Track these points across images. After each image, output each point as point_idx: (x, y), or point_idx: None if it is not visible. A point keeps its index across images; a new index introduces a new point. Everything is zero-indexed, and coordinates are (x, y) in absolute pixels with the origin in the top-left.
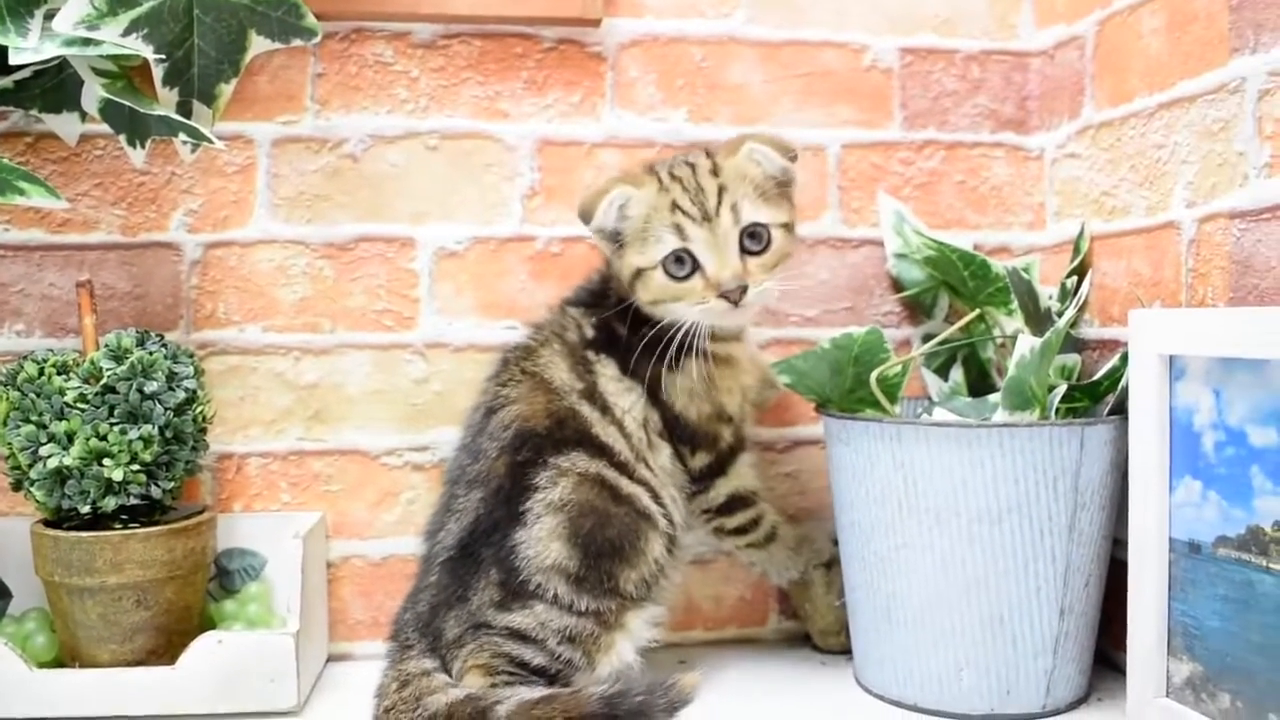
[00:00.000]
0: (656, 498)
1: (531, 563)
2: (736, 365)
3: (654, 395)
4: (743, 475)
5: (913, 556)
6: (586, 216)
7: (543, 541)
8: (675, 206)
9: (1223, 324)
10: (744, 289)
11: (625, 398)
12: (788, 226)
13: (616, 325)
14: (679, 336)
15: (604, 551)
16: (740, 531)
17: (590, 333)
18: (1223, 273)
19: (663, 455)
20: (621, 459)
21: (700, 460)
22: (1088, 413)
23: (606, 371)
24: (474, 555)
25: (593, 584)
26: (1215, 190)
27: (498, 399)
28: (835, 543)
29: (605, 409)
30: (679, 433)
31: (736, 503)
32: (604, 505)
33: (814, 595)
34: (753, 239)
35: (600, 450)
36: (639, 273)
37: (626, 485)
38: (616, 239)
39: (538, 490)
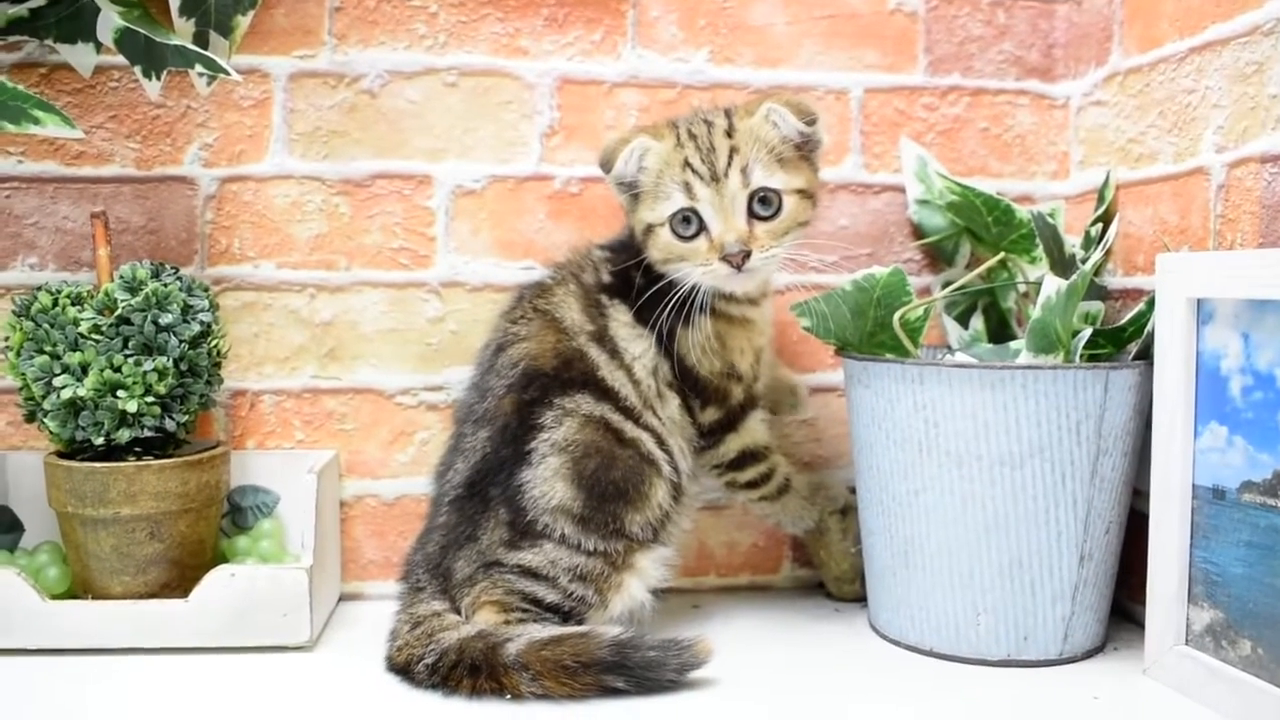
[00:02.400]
0: (662, 444)
1: (538, 503)
2: (750, 326)
3: (666, 346)
4: (754, 431)
5: (932, 500)
6: (607, 165)
7: (548, 482)
8: (687, 164)
9: (1254, 265)
10: (747, 254)
11: (636, 344)
12: (804, 193)
13: (633, 273)
14: (692, 294)
15: (608, 494)
16: (752, 485)
17: (606, 277)
18: (1252, 218)
19: (671, 405)
20: (628, 404)
21: (710, 415)
22: (1112, 359)
23: (619, 317)
24: (482, 494)
25: (598, 525)
26: (1246, 134)
27: (508, 336)
28: (851, 490)
29: (615, 353)
30: (690, 386)
31: (748, 457)
32: (608, 447)
33: (829, 542)
34: (763, 204)
35: (605, 394)
36: (649, 228)
37: (631, 430)
38: (633, 190)
39: (543, 430)
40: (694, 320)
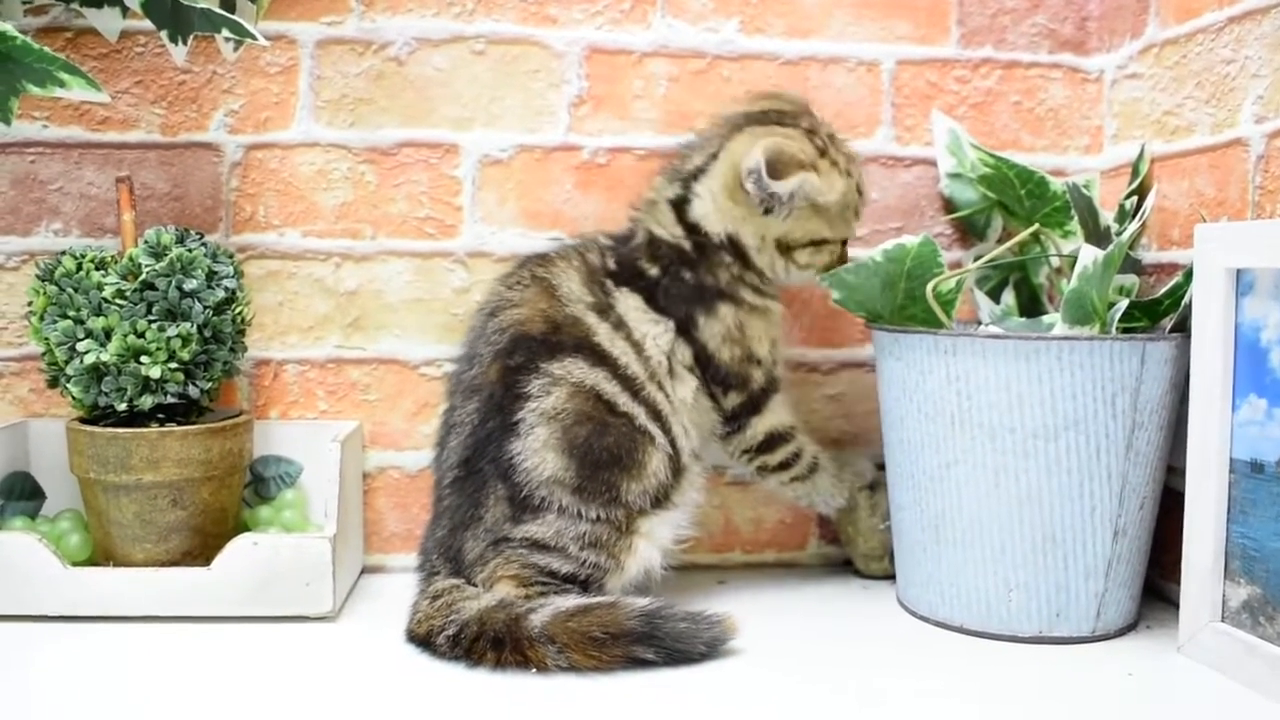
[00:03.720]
0: (659, 419)
1: (531, 475)
2: (769, 316)
3: (686, 333)
4: (778, 413)
5: (963, 473)
6: (775, 174)
7: (539, 453)
8: (855, 207)
9: None
10: None
11: (651, 328)
12: None
13: (645, 265)
14: (723, 283)
15: (601, 461)
16: (784, 466)
17: (612, 265)
18: None
19: (686, 388)
20: (627, 372)
21: (733, 400)
22: (1147, 331)
23: (629, 302)
24: (478, 471)
25: (594, 494)
26: None
27: (501, 300)
28: (879, 466)
29: (619, 325)
30: (711, 372)
31: (776, 439)
32: (600, 415)
33: (858, 519)
34: None
35: (601, 359)
36: (790, 243)
37: (625, 402)
38: (772, 204)
39: (530, 399)
40: (716, 310)
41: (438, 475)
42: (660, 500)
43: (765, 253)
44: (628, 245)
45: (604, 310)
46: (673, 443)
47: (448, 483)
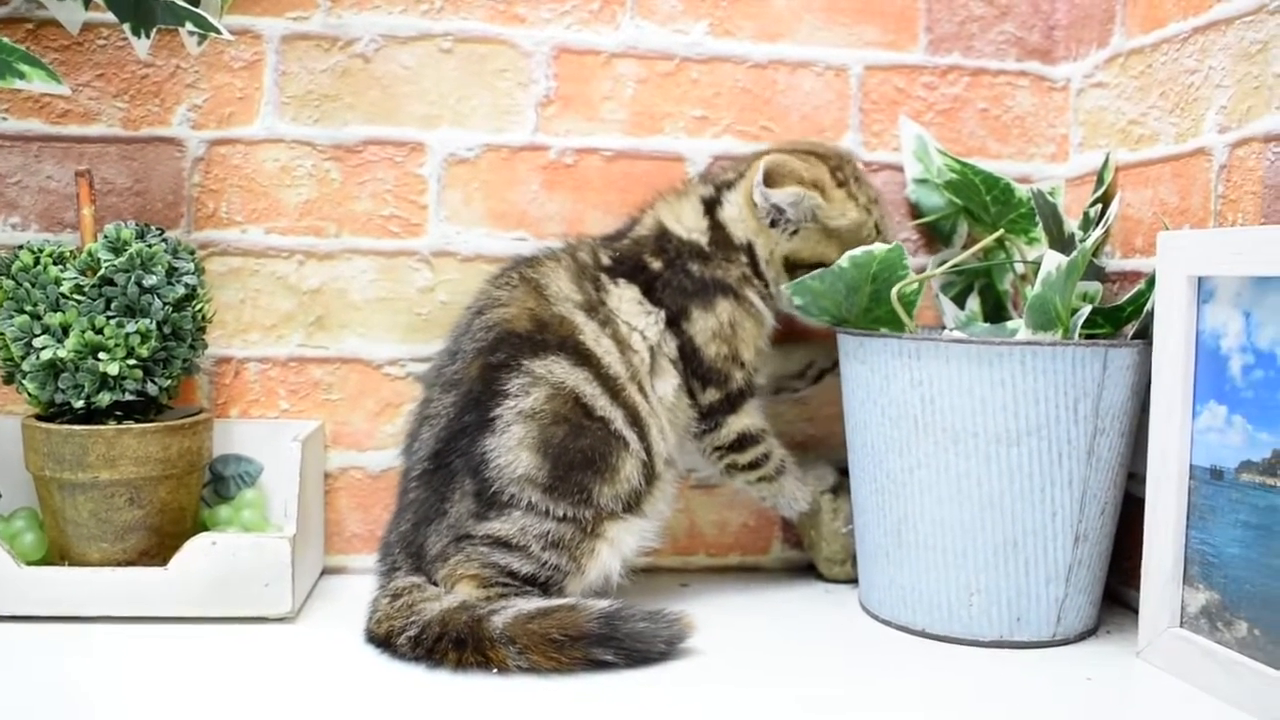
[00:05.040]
0: (636, 423)
1: (503, 472)
2: (761, 324)
3: (675, 324)
4: (752, 415)
5: (926, 477)
6: (772, 184)
7: (513, 451)
8: (876, 228)
9: (1257, 242)
10: None
11: (641, 319)
12: None
13: (649, 258)
14: (732, 279)
15: (575, 463)
16: (753, 466)
17: (606, 260)
18: (1254, 198)
19: (667, 385)
20: (609, 372)
21: (711, 396)
22: (1110, 338)
23: (625, 294)
24: (447, 465)
25: (565, 494)
26: (1250, 114)
27: (489, 300)
28: (841, 471)
29: (606, 322)
30: (694, 366)
31: (747, 440)
32: (576, 419)
33: (820, 523)
34: None
35: (584, 359)
36: (790, 259)
37: (603, 406)
38: (775, 216)
39: (509, 397)
40: (715, 305)
41: (406, 467)
42: (631, 506)
43: (773, 266)
44: (628, 238)
45: (592, 308)
46: (648, 449)
47: (414, 476)
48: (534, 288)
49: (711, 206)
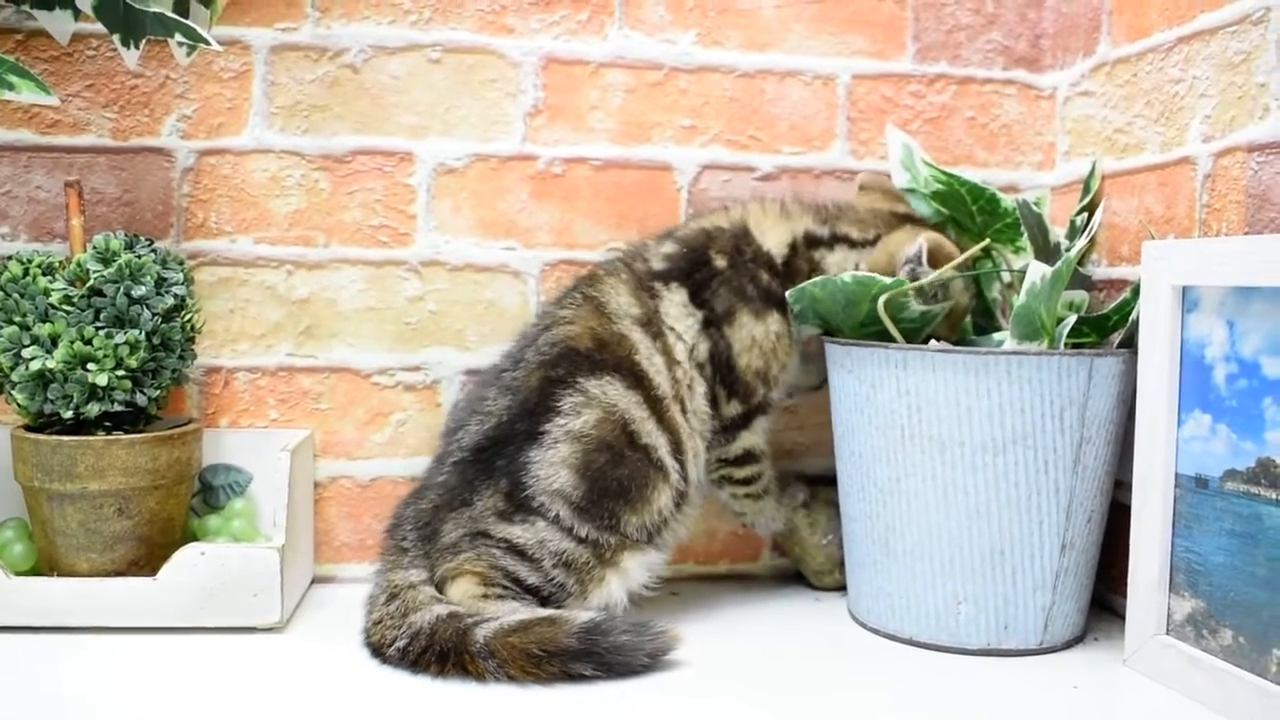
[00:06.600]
0: (678, 450)
1: (540, 482)
2: (793, 350)
3: (713, 326)
4: (758, 434)
5: (914, 486)
6: (936, 264)
7: (554, 466)
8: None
9: (1241, 252)
10: None
11: (683, 321)
12: None
13: (714, 254)
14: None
15: (610, 490)
16: (746, 482)
17: (659, 265)
18: (1238, 207)
19: (699, 395)
20: (658, 393)
21: (733, 409)
22: (1095, 347)
23: (674, 298)
24: (488, 461)
25: (594, 517)
26: (1234, 123)
27: (555, 318)
28: (809, 481)
29: (658, 335)
30: (723, 374)
31: (748, 457)
32: (620, 447)
33: (801, 539)
34: None
35: (637, 381)
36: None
37: (649, 433)
38: (924, 298)
39: (561, 414)
40: (764, 315)
41: (442, 451)
42: (653, 535)
43: None
44: (700, 225)
45: (648, 321)
46: (685, 477)
47: (451, 461)
48: (596, 306)
49: (813, 243)
